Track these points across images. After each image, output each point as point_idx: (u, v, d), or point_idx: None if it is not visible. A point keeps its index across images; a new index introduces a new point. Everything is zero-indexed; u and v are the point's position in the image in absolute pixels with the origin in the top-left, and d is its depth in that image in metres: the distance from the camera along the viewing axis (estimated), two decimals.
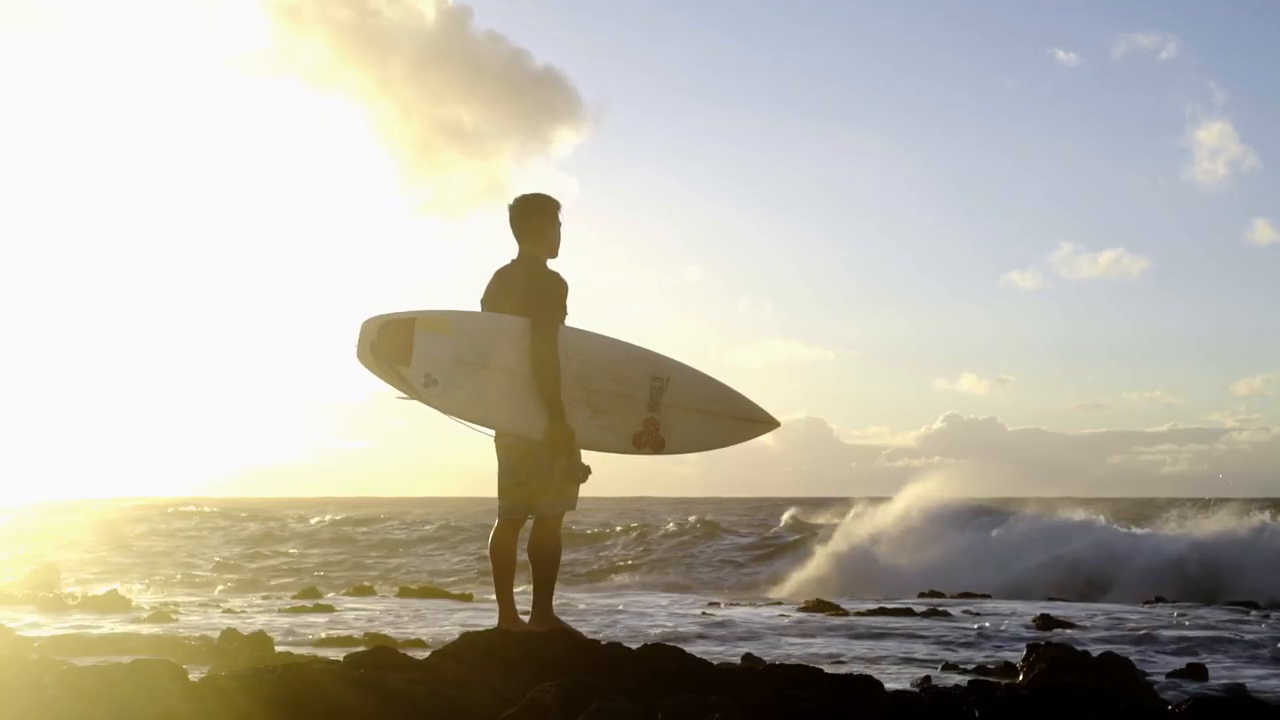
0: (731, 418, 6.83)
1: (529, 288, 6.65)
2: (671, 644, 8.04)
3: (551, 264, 6.82)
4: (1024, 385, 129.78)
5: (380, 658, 5.88)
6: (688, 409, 6.74)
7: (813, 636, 12.37)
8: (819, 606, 15.94)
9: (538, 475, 6.60)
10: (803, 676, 6.35)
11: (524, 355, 6.50)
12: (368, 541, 35.36)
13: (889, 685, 7.44)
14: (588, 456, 6.70)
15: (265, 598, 17.09)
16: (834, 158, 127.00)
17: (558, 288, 6.72)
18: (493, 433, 6.69)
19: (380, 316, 6.54)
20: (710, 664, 6.71)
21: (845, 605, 16.17)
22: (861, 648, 11.25)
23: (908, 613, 15.37)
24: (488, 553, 6.86)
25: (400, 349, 6.44)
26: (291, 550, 32.57)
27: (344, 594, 17.50)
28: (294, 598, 16.55)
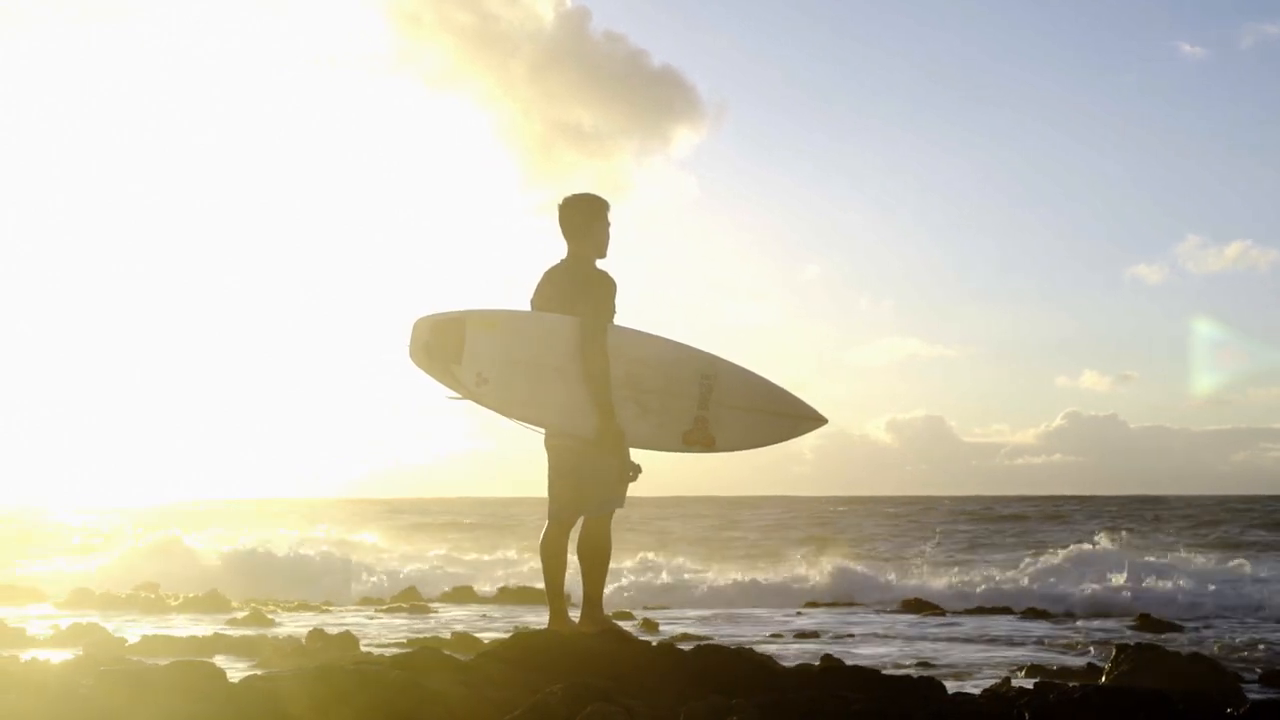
0: (780, 415, 6.74)
1: (577, 287, 6.62)
2: (736, 646, 7.96)
3: (600, 263, 6.79)
4: (1147, 381, 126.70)
5: (423, 659, 5.88)
6: (737, 407, 6.68)
7: (904, 637, 12.21)
8: (917, 607, 15.76)
9: (588, 475, 6.57)
10: (860, 678, 6.23)
11: (573, 354, 6.48)
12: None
13: (969, 688, 7.29)
14: (638, 455, 6.66)
15: (364, 600, 17.28)
16: (955, 153, 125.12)
17: (605, 287, 6.68)
18: (544, 432, 6.68)
19: (431, 316, 6.56)
20: (771, 666, 6.61)
21: (944, 606, 15.97)
22: (953, 649, 11.07)
23: (1007, 611, 15.13)
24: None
25: (452, 348, 6.45)
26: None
27: (442, 596, 17.64)
28: (392, 599, 16.73)
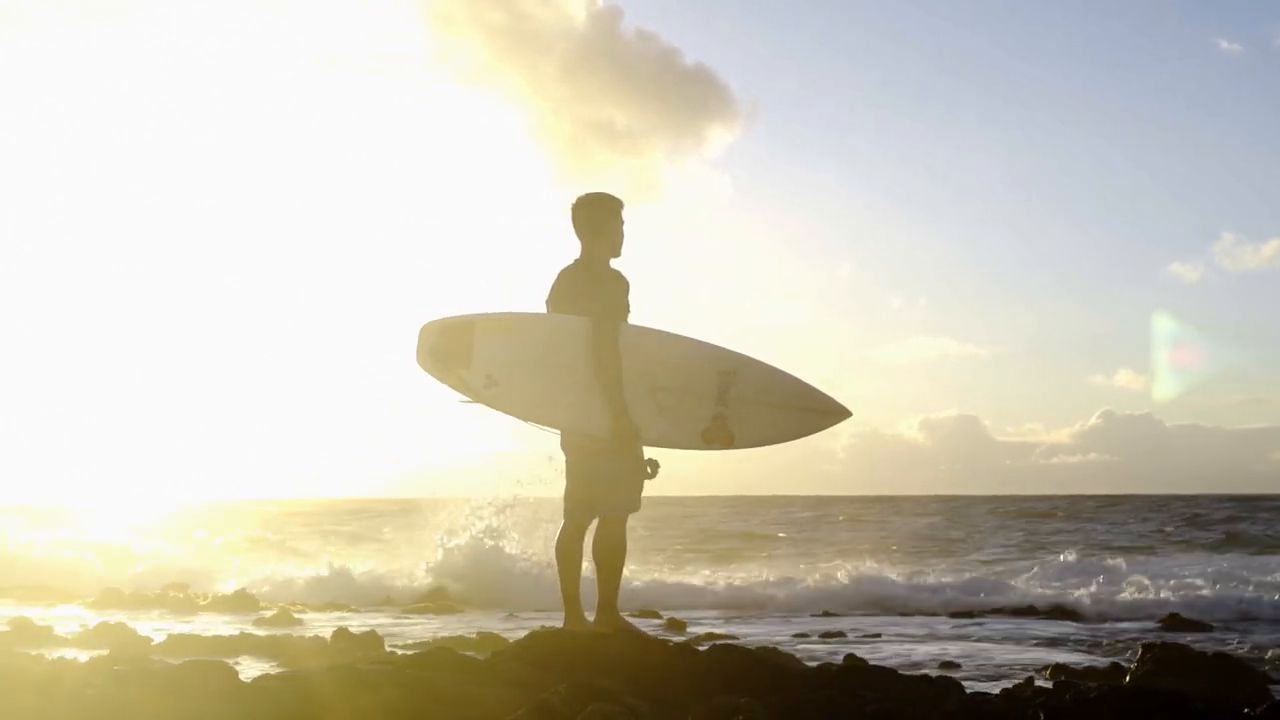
0: (802, 410, 6.69)
1: (590, 287, 6.61)
2: (758, 646, 7.92)
3: (614, 262, 6.77)
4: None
5: (436, 658, 5.88)
6: (757, 403, 6.63)
7: (931, 638, 12.15)
8: (948, 608, 15.68)
9: (602, 475, 6.56)
10: (878, 678, 6.21)
11: (585, 354, 6.45)
12: None
13: (993, 689, 7.24)
14: (656, 453, 6.64)
15: (389, 600, 17.30)
16: (990, 152, 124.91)
17: (618, 286, 6.67)
18: (559, 433, 6.66)
19: (439, 320, 6.53)
20: (789, 666, 6.58)
21: (974, 606, 15.89)
22: (980, 650, 11.01)
23: (1037, 612, 15.03)
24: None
25: (460, 352, 6.42)
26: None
27: (468, 596, 17.64)
28: (419, 600, 16.73)
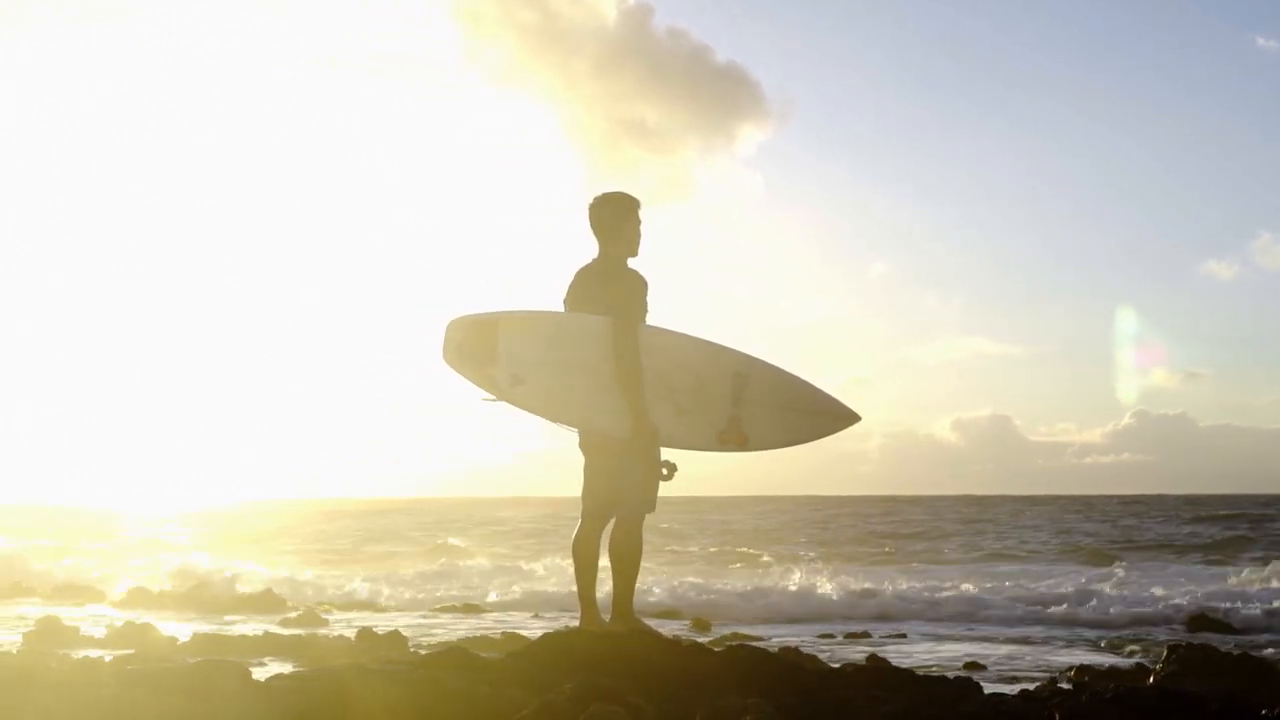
0: (813, 413, 6.67)
1: (609, 287, 6.58)
2: (780, 647, 7.89)
3: (632, 262, 6.76)
4: (1218, 379, 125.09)
5: (449, 658, 5.89)
6: (769, 405, 6.61)
7: (958, 639, 12.14)
8: (978, 610, 15.61)
9: (621, 475, 6.54)
10: (895, 679, 6.17)
11: (606, 354, 6.44)
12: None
13: (1015, 690, 7.22)
14: (674, 454, 6.63)
15: (418, 602, 17.36)
16: (1023, 150, 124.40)
17: (637, 286, 6.64)
18: (578, 432, 6.66)
19: (465, 317, 6.53)
20: (805, 666, 6.56)
21: (1003, 608, 15.82)
22: (1006, 652, 10.99)
23: (1061, 614, 14.96)
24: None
25: (486, 349, 6.42)
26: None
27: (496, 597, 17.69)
28: (445, 600, 16.78)
